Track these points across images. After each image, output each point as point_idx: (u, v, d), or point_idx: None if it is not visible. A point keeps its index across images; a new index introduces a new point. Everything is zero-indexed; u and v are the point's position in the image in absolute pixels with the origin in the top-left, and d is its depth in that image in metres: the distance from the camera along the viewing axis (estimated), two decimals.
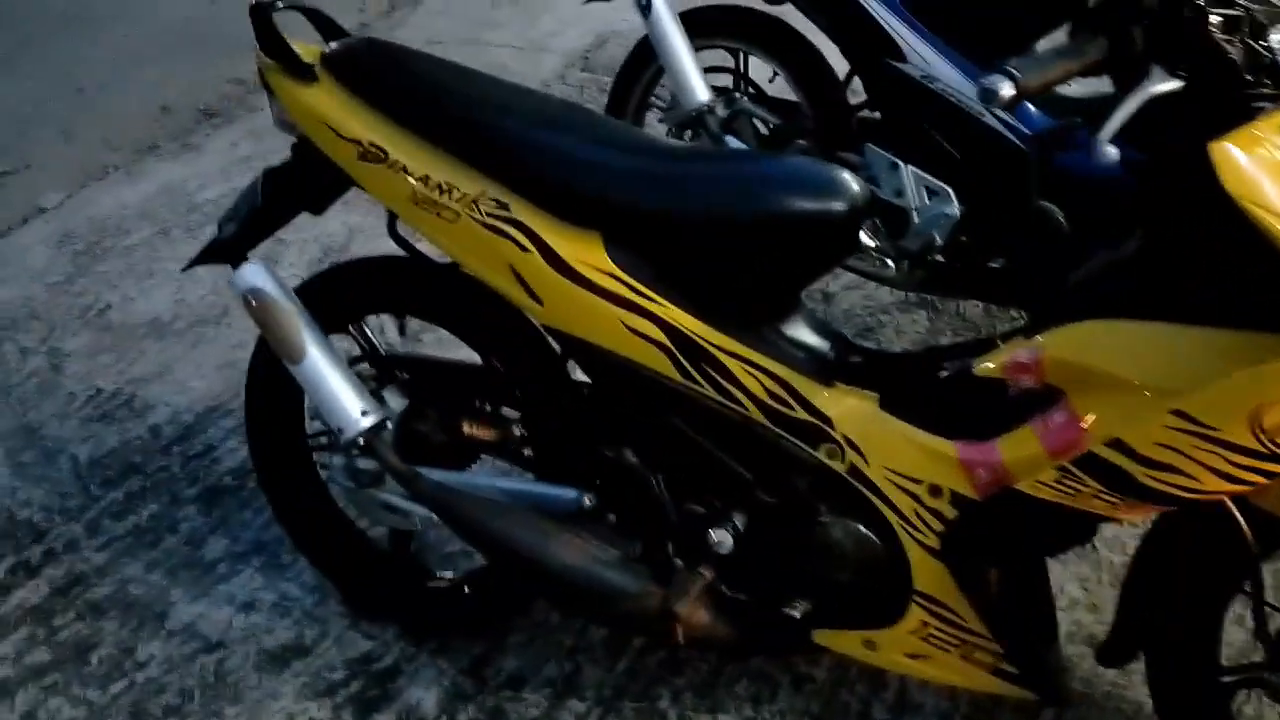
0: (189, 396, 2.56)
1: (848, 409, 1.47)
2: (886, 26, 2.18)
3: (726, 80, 2.64)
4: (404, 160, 1.55)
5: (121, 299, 2.92)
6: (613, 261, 1.49)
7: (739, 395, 1.49)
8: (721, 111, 2.43)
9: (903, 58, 2.18)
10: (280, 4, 1.64)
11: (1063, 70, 1.30)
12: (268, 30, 1.63)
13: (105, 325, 2.82)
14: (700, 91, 2.36)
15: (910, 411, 1.46)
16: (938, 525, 1.43)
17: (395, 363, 1.79)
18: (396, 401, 1.75)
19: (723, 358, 1.48)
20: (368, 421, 1.63)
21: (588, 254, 1.49)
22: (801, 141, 2.40)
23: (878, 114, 2.39)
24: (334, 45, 1.66)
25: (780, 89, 2.65)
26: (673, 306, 1.48)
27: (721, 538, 1.54)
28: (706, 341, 1.48)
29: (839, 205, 1.44)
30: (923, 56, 2.16)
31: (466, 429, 1.68)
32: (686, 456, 1.55)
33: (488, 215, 1.51)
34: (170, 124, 3.85)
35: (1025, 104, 2.14)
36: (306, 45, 1.68)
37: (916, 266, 2.23)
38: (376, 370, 1.79)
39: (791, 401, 1.48)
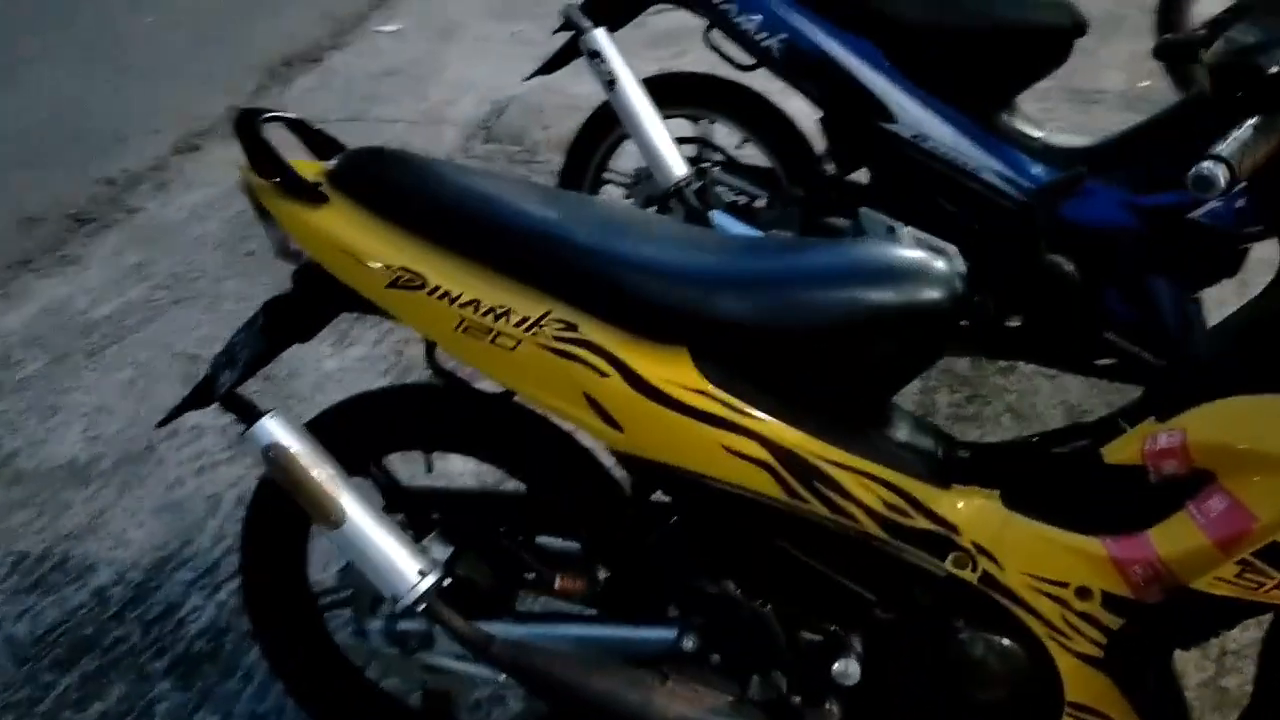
0: (131, 550, 2.26)
1: (972, 512, 1.36)
2: (873, 89, 2.11)
3: (688, 149, 2.52)
4: (446, 285, 1.36)
5: (27, 443, 2.58)
6: (704, 378, 1.33)
7: (852, 509, 1.35)
8: (695, 184, 2.30)
9: (892, 118, 2.11)
10: (255, 112, 1.43)
11: (1266, 148, 1.22)
12: (258, 145, 1.41)
13: (14, 476, 2.48)
14: (677, 165, 2.24)
15: (1039, 507, 1.35)
16: (1092, 631, 1.32)
17: (427, 502, 1.59)
18: (437, 549, 1.55)
19: (832, 471, 1.34)
20: (427, 583, 1.42)
21: (675, 372, 1.33)
22: (787, 208, 2.30)
23: (861, 178, 2.32)
24: (338, 159, 1.46)
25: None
26: (773, 421, 1.34)
27: (846, 668, 1.39)
28: (814, 455, 1.34)
29: (943, 291, 1.33)
30: (913, 115, 2.10)
31: (539, 572, 1.49)
32: (796, 581, 1.41)
33: (554, 339, 1.34)
34: (40, 235, 3.48)
35: (1022, 155, 2.10)
36: (301, 160, 1.48)
37: None
38: (404, 514, 1.58)
39: (910, 510, 1.35)
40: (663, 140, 2.25)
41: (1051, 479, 1.39)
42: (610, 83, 2.25)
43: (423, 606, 1.43)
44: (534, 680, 1.43)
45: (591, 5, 2.30)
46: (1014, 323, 2.14)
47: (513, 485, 1.62)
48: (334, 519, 1.41)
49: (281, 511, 1.64)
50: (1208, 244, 1.96)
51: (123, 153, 3.92)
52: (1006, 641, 1.36)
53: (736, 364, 1.34)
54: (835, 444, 1.35)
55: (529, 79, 2.62)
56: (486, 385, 1.47)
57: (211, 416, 2.62)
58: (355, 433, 1.56)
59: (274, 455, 1.42)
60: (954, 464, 1.41)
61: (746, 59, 2.29)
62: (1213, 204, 1.90)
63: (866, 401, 1.40)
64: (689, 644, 1.45)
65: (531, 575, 1.56)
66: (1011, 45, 2.08)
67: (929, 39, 2.08)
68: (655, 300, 1.33)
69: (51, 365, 2.84)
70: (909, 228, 2.15)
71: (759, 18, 2.15)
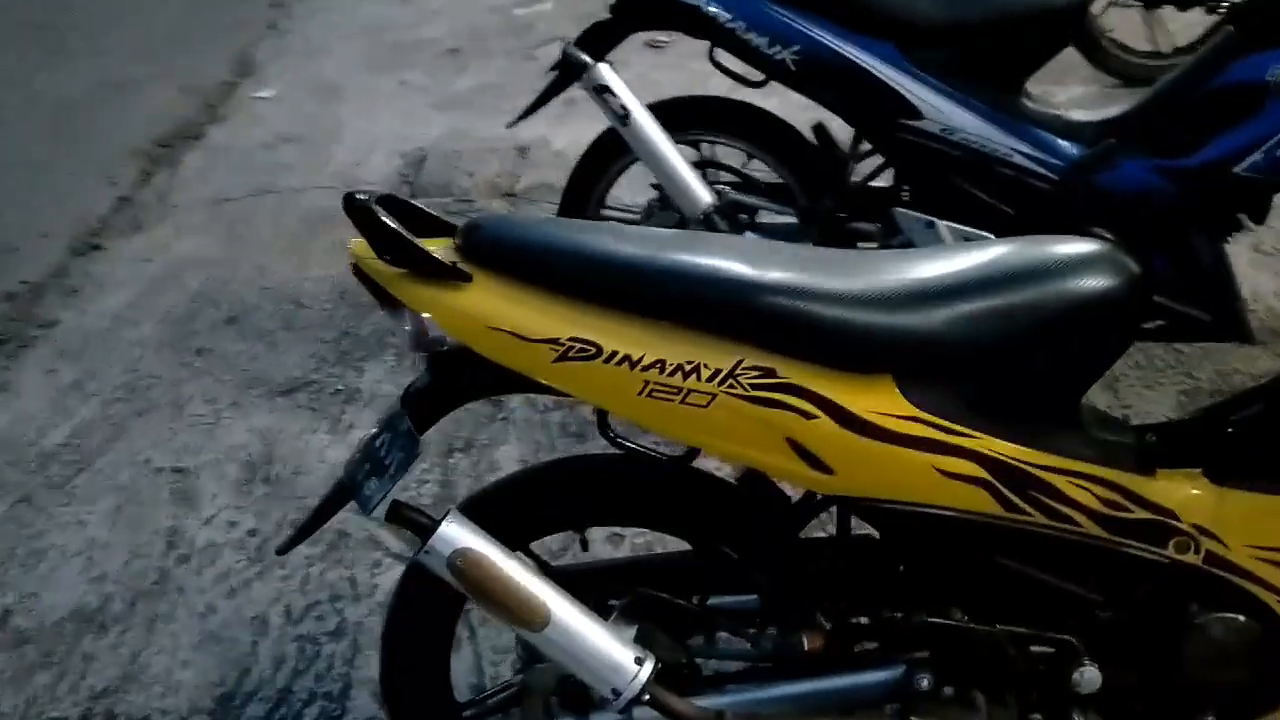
0: (185, 694, 2.05)
1: (1184, 494, 1.35)
2: (899, 88, 2.10)
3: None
4: (625, 349, 1.26)
5: (18, 598, 2.31)
6: (910, 403, 1.28)
7: (1070, 512, 1.32)
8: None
9: (919, 114, 2.11)
10: (363, 195, 1.30)
11: None
12: (380, 229, 1.28)
13: (17, 637, 2.21)
14: (704, 193, 2.19)
15: (1247, 477, 1.35)
16: None
17: (591, 580, 1.49)
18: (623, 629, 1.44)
19: (1049, 477, 1.31)
20: (646, 671, 1.32)
21: (883, 402, 1.28)
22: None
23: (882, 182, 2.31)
24: (463, 231, 1.34)
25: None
26: (985, 436, 1.30)
27: (1085, 675, 1.36)
28: (1027, 464, 1.31)
29: (1124, 277, 1.32)
30: (939, 109, 2.10)
31: (753, 637, 1.41)
32: (1019, 597, 1.37)
33: (752, 388, 1.26)
34: None
35: (1048, 135, 2.12)
36: (426, 240, 1.35)
37: None
38: None
39: (1126, 503, 1.33)
40: (684, 168, 2.20)
41: (1249, 447, 1.39)
42: (624, 116, 2.19)
43: (647, 697, 1.33)
44: None
45: (585, 38, 2.22)
46: None
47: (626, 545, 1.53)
48: (540, 620, 1.30)
49: (427, 618, 1.52)
50: (1248, 195, 2.03)
51: (16, 264, 3.60)
52: (1242, 618, 1.35)
53: (939, 383, 1.30)
54: (1044, 449, 1.32)
55: (514, 124, 2.51)
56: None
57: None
58: (513, 516, 1.45)
59: (464, 564, 1.30)
60: (1151, 450, 1.39)
61: (755, 76, 2.26)
62: (1253, 157, 1.97)
63: (1064, 402, 1.37)
64: (924, 682, 1.39)
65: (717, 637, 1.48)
66: (1022, 31, 2.11)
67: (944, 34, 2.09)
68: (857, 330, 1.26)
69: (16, 508, 2.56)
70: (944, 221, 2.16)
71: (770, 32, 2.12)
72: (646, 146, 2.20)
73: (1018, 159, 2.12)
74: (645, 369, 1.26)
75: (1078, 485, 1.32)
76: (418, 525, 1.32)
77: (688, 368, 1.26)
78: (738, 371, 1.26)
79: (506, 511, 1.46)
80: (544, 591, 1.30)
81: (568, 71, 2.23)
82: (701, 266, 1.29)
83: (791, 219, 2.32)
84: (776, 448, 1.28)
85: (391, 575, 2.20)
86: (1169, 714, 1.40)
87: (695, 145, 2.45)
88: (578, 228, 1.37)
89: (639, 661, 1.32)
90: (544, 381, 1.31)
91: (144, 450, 2.69)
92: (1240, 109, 2.00)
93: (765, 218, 2.34)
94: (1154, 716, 1.41)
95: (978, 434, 1.29)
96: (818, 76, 2.13)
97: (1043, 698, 1.40)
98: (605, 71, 2.20)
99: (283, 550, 1.49)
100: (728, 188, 2.38)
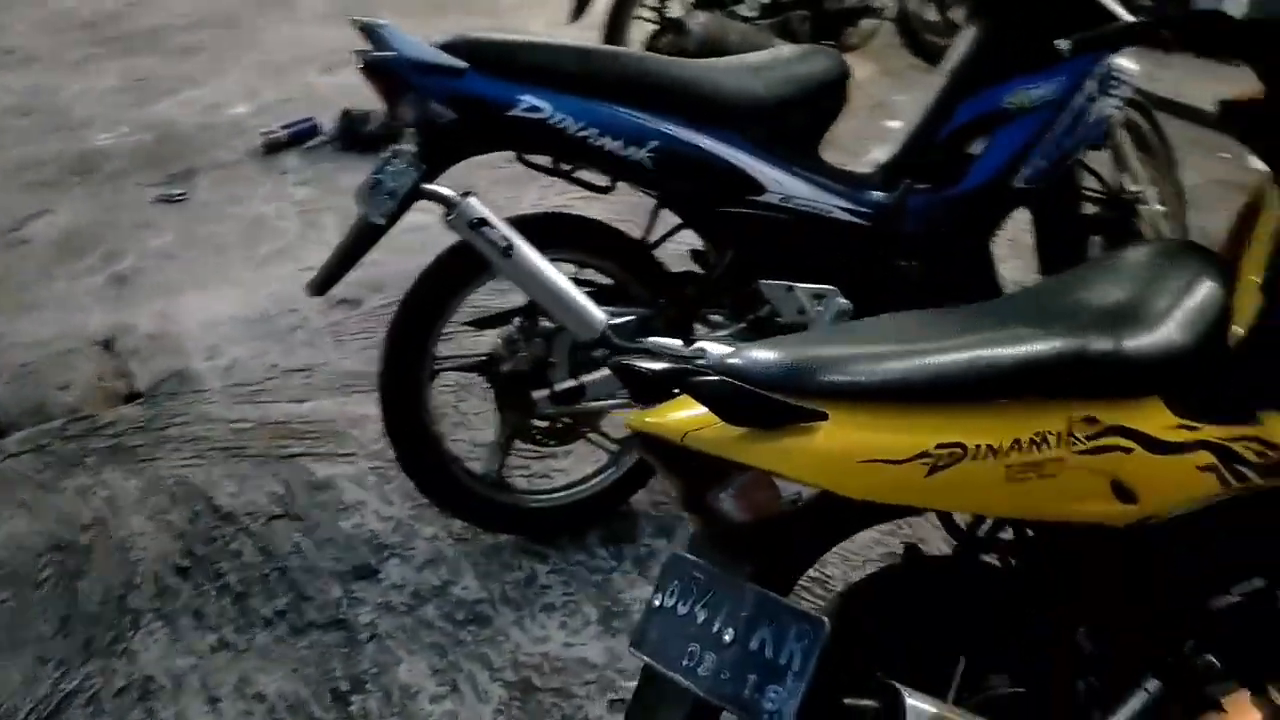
0: None
1: None
2: (744, 167, 2.15)
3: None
4: (985, 439, 1.20)
5: None
6: (1175, 415, 1.38)
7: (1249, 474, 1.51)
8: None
9: (764, 189, 2.18)
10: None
11: None
12: (731, 393, 1.08)
13: None
14: (598, 312, 2.04)
15: None
16: None
17: None
18: None
19: (1243, 448, 1.48)
20: None
21: (1161, 420, 1.36)
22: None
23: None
24: (793, 375, 1.16)
25: None
26: (1204, 425, 1.44)
27: None
28: (1239, 438, 1.46)
29: None
30: (778, 181, 2.19)
31: None
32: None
33: (1087, 440, 1.27)
34: None
35: (852, 188, 2.32)
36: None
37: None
38: None
39: None
40: (574, 291, 2.04)
41: None
42: (506, 248, 1.95)
43: None
44: None
45: (424, 152, 1.96)
46: None
47: None
48: None
49: None
50: (1025, 202, 2.42)
51: None
52: None
53: (1197, 389, 1.40)
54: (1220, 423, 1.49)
55: (322, 291, 2.09)
56: None
57: None
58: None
59: None
60: None
61: (601, 181, 2.15)
62: (1025, 171, 2.35)
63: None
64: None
65: None
66: (820, 100, 2.27)
67: (768, 112, 2.18)
68: (1132, 359, 1.33)
69: None
70: (800, 285, 2.26)
71: (624, 134, 2.04)
72: (532, 276, 1.97)
73: (838, 214, 2.28)
74: (1006, 453, 1.20)
75: (1257, 450, 1.50)
76: None
77: (1038, 439, 1.23)
78: (1073, 429, 1.25)
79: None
80: None
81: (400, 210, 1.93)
82: (1001, 336, 1.27)
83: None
84: (1100, 492, 1.29)
85: None
86: None
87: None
88: (865, 336, 1.26)
89: None
90: (917, 504, 1.19)
91: None
92: (986, 131, 2.39)
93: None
94: None
95: (1200, 425, 1.42)
96: (674, 170, 2.08)
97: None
98: (477, 204, 1.93)
99: None
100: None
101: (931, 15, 5.36)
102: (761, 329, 2.27)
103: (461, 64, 1.97)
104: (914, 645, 1.34)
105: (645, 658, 1.20)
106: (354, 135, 4.20)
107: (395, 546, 2.34)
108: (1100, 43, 1.96)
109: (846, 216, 2.29)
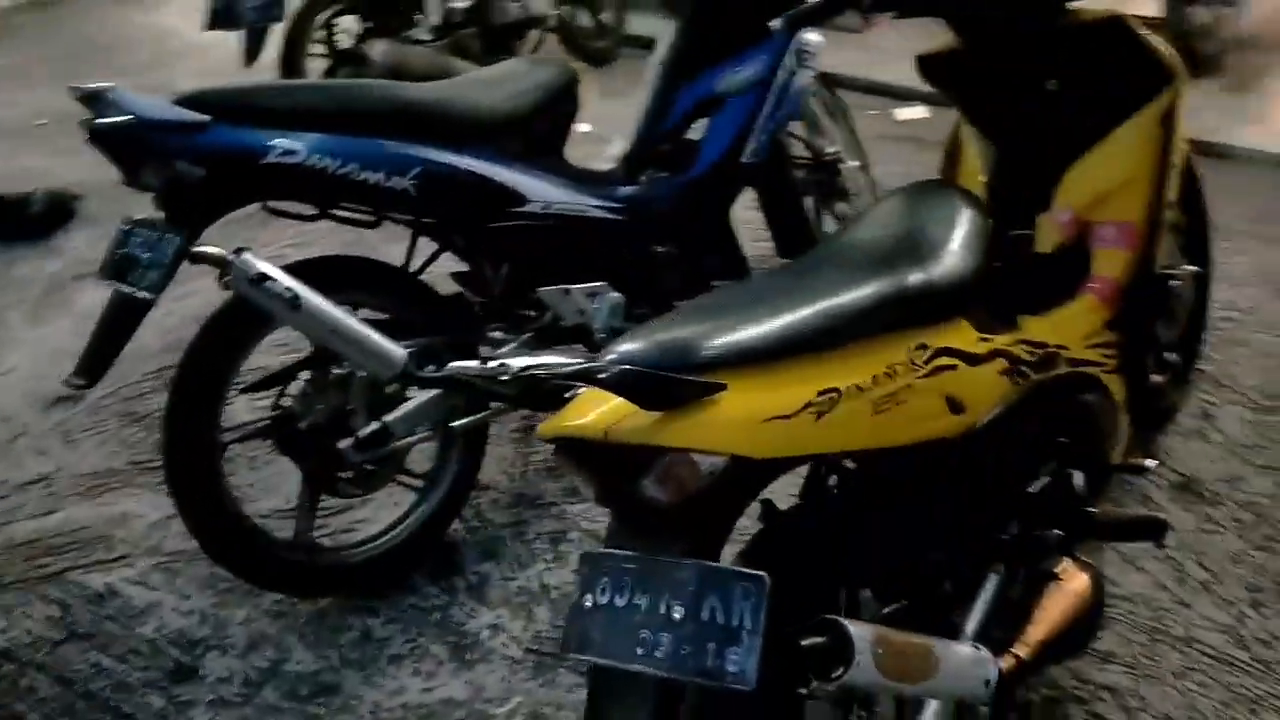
0: None
1: (1049, 330, 1.84)
2: (505, 181, 2.17)
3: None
4: (850, 380, 1.31)
5: None
6: (977, 331, 1.56)
7: (1030, 372, 1.74)
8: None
9: (526, 200, 2.22)
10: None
11: None
12: (643, 382, 1.14)
13: None
14: (397, 349, 2.00)
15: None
16: None
17: None
18: None
19: (1018, 350, 1.70)
20: None
21: (971, 335, 1.53)
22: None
23: None
24: (652, 353, 1.22)
25: None
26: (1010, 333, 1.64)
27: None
28: (1020, 343, 1.67)
29: None
30: (538, 190, 2.24)
31: None
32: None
33: (925, 364, 1.42)
34: None
35: (600, 185, 2.41)
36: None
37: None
38: None
39: (1039, 349, 1.78)
40: (368, 331, 1.99)
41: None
42: (293, 301, 1.87)
43: None
44: None
45: (176, 215, 1.85)
46: None
47: None
48: None
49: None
50: (759, 171, 2.59)
51: None
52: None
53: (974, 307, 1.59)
54: (1011, 333, 1.70)
55: (82, 385, 1.88)
56: None
57: None
58: None
59: None
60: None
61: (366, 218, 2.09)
62: (750, 146, 2.53)
63: None
64: None
65: None
66: (558, 106, 2.33)
67: (520, 124, 2.21)
68: (941, 288, 1.49)
69: None
70: (574, 286, 2.32)
71: (386, 166, 2.00)
72: (323, 324, 1.88)
73: (594, 212, 2.34)
74: (870, 389, 1.33)
75: (1028, 350, 1.72)
76: None
77: (890, 371, 1.36)
78: (911, 357, 1.40)
79: None
80: None
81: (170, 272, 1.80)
82: (841, 285, 1.39)
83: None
84: (939, 410, 1.45)
85: None
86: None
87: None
88: (724, 308, 1.34)
89: None
90: (813, 450, 1.29)
91: None
92: (706, 115, 2.55)
93: None
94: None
95: (991, 336, 1.62)
96: (438, 195, 2.05)
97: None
98: (254, 259, 1.81)
99: None
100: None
101: (586, 21, 5.58)
102: (546, 337, 2.31)
103: (204, 117, 1.87)
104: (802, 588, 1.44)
105: (595, 659, 1.21)
106: (17, 222, 3.82)
107: (208, 639, 2.18)
108: (810, 17, 2.15)
109: (602, 214, 2.38)
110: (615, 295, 2.36)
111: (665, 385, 1.14)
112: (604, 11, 5.59)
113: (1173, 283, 2.26)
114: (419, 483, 2.32)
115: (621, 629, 1.20)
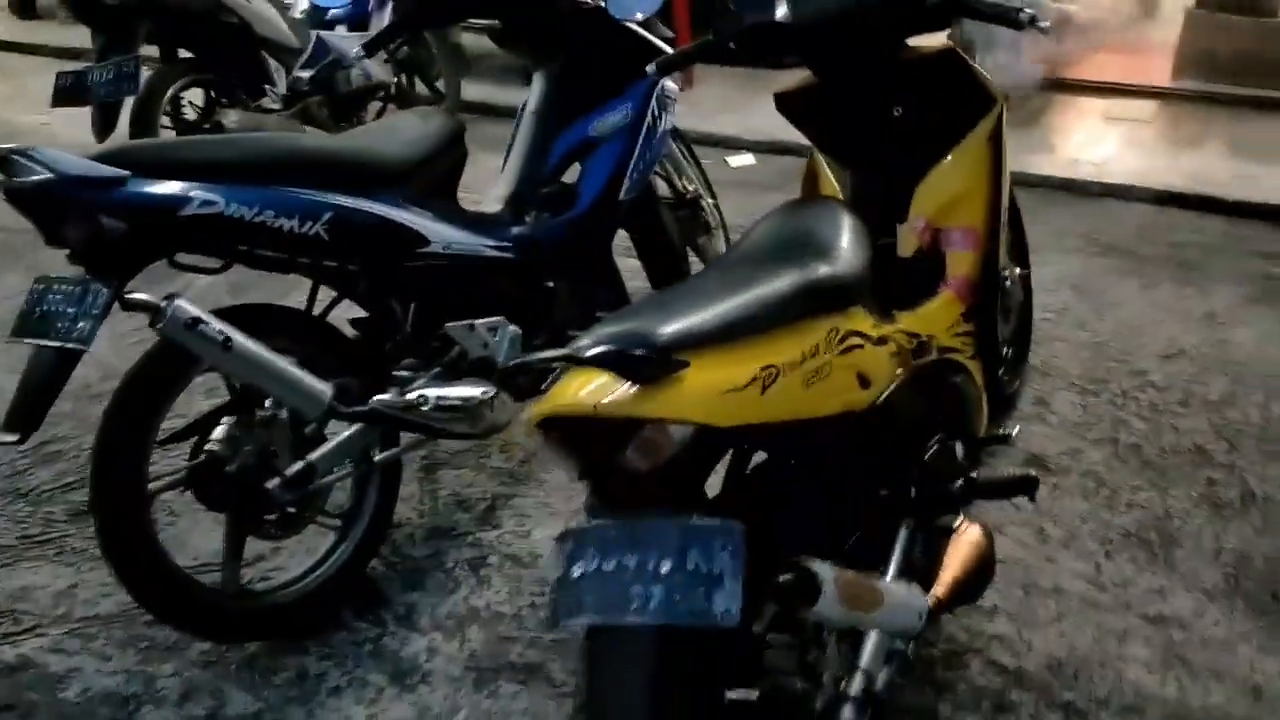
0: None
1: (917, 324, 2.10)
2: (411, 224, 2.27)
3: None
4: (784, 358, 1.51)
5: None
6: (872, 319, 1.79)
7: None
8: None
9: (428, 242, 2.33)
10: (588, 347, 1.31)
11: None
12: (623, 360, 1.31)
13: None
14: (323, 386, 2.08)
15: (910, 303, 2.17)
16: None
17: None
18: None
19: (897, 334, 1.94)
20: None
21: (870, 320, 1.75)
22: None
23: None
24: (622, 338, 1.38)
25: None
26: (898, 322, 1.88)
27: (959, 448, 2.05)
28: (899, 331, 1.91)
29: None
30: (439, 232, 2.35)
31: None
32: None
33: (840, 344, 1.63)
34: None
35: (493, 226, 2.55)
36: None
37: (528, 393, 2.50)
38: None
39: (916, 341, 2.04)
40: (295, 370, 2.07)
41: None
42: (225, 343, 1.93)
43: None
44: None
45: (98, 268, 1.90)
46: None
47: None
48: None
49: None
50: (639, 208, 2.78)
51: None
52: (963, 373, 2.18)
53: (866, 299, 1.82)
54: (889, 322, 1.94)
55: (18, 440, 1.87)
56: None
57: None
58: None
59: None
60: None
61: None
62: (625, 185, 2.72)
63: None
64: None
65: None
66: (451, 153, 2.46)
67: (420, 171, 2.34)
68: (842, 278, 1.71)
69: None
70: (477, 322, 2.44)
71: (298, 212, 2.07)
72: (252, 365, 1.93)
73: (489, 252, 2.47)
74: (799, 365, 1.53)
75: (907, 338, 1.96)
76: None
77: (812, 350, 1.57)
78: (829, 337, 1.61)
79: None
80: None
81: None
82: (770, 278, 1.59)
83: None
84: (853, 385, 1.66)
85: None
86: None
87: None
88: (675, 301, 1.50)
89: None
90: (762, 419, 1.46)
91: None
92: (581, 159, 2.73)
93: None
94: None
95: (881, 324, 1.84)
96: (349, 238, 2.14)
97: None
98: (187, 305, 1.84)
99: None
100: None
101: (421, 89, 5.74)
102: (455, 370, 2.42)
103: (123, 172, 1.92)
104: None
105: (592, 618, 1.33)
106: None
107: (140, 694, 2.17)
108: (680, 62, 2.37)
109: (495, 253, 2.51)
110: (514, 329, 2.49)
111: (640, 362, 1.30)
112: (438, 80, 5.75)
113: (1008, 282, 2.57)
114: (337, 522, 2.38)
115: (613, 589, 1.33)
